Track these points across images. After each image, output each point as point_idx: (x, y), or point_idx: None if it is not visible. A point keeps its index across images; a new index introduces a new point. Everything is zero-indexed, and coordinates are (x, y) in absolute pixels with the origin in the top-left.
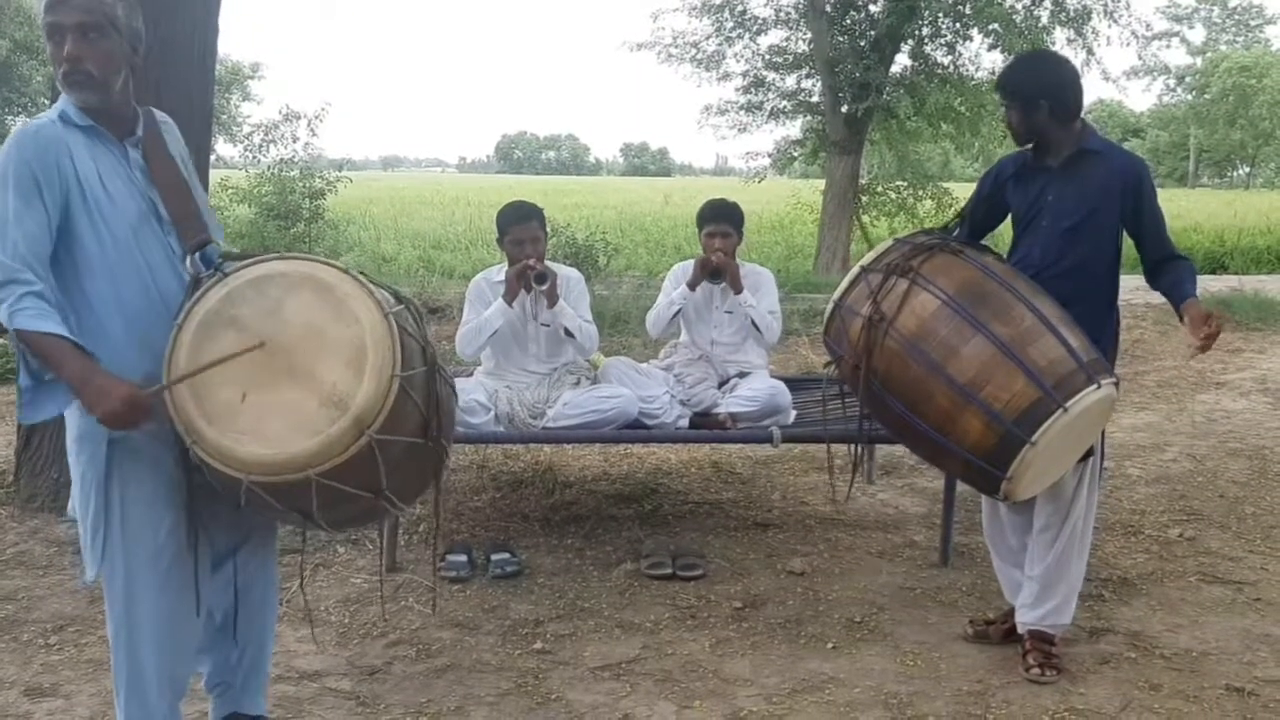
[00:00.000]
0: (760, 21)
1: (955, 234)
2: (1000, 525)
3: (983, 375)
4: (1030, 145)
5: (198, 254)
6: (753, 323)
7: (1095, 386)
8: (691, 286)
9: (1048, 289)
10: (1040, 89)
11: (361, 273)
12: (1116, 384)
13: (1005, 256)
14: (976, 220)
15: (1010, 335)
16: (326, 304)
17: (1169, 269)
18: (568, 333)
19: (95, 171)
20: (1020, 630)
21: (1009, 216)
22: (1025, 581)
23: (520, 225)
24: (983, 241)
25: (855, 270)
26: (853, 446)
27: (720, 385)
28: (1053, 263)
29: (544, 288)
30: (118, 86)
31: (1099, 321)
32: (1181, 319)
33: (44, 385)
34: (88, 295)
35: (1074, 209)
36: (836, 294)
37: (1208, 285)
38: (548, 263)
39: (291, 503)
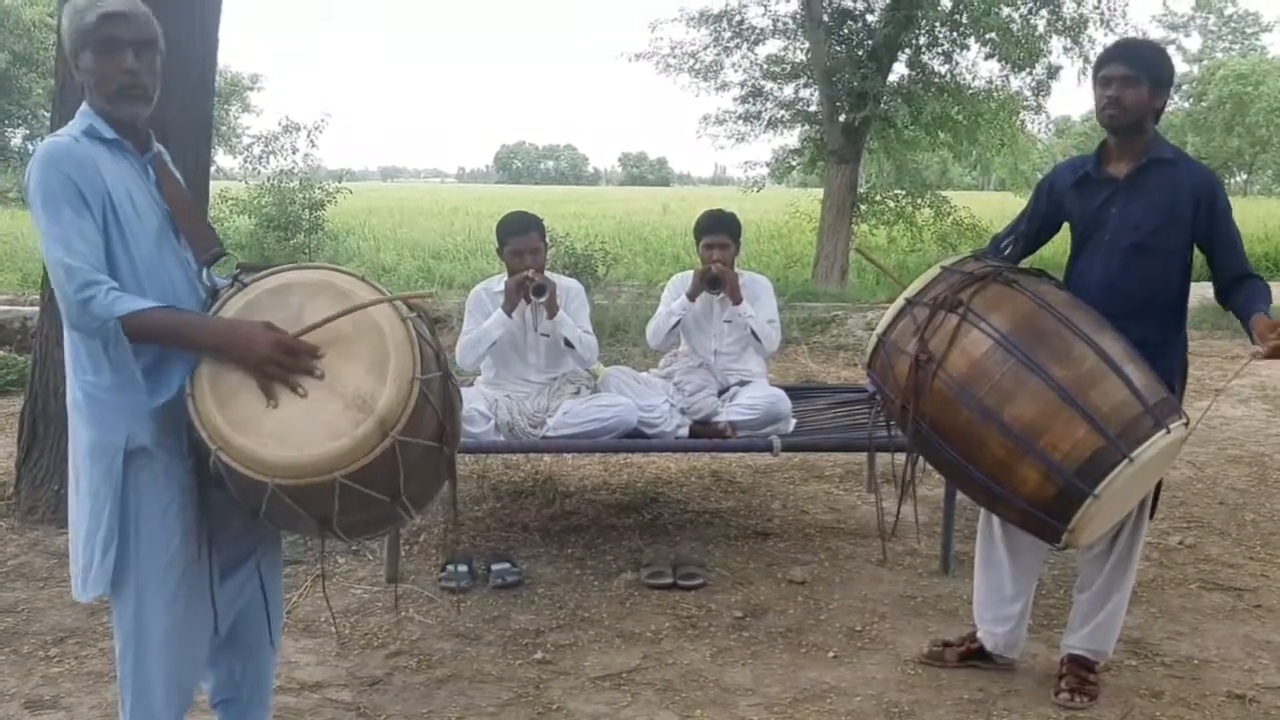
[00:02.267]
0: (758, 31)
1: (1006, 251)
2: (999, 567)
3: (1040, 423)
4: (1095, 149)
5: (208, 267)
6: (752, 332)
7: (1164, 432)
8: (691, 297)
9: (1109, 309)
10: (1170, 78)
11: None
12: (1186, 423)
13: (1063, 275)
14: (1030, 234)
15: (1069, 378)
16: (346, 309)
17: (1243, 288)
18: (567, 343)
19: (124, 187)
20: (1062, 653)
21: (1062, 228)
22: (1074, 604)
23: (520, 236)
24: (1029, 256)
25: (900, 302)
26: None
27: (720, 394)
28: (1115, 281)
29: (542, 300)
30: (155, 102)
31: (1164, 348)
32: (1251, 336)
33: (149, 374)
34: None
35: (1140, 224)
36: (880, 327)
37: (1204, 291)
38: (547, 274)
39: (312, 508)
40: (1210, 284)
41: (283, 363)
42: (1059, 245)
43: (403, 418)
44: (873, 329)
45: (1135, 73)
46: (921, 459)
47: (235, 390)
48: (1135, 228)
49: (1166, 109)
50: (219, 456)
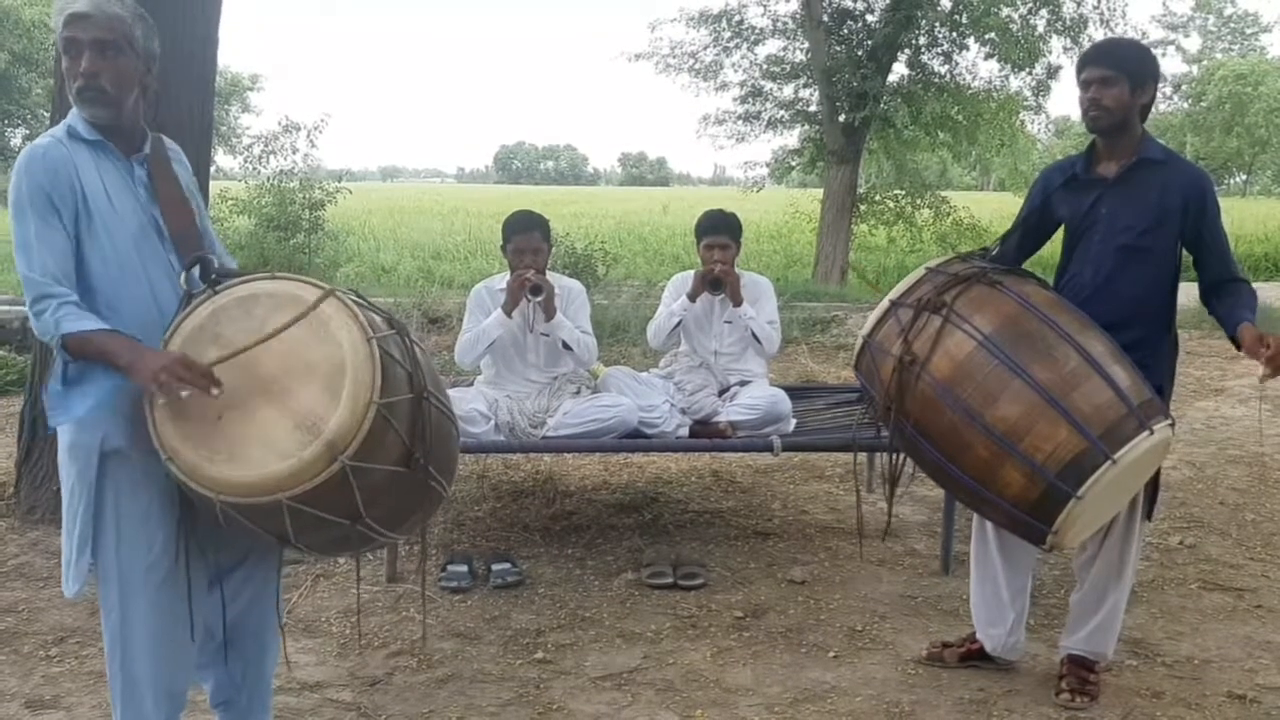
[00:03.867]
0: (758, 31)
1: (994, 252)
2: (994, 571)
3: (1023, 424)
4: (1084, 150)
5: (195, 271)
6: (753, 334)
7: (1147, 433)
8: (692, 298)
9: (1099, 311)
10: (1151, 71)
11: (355, 295)
12: (1172, 424)
13: (1054, 276)
14: (1026, 235)
15: (1052, 380)
16: (309, 325)
17: (1227, 292)
18: (565, 345)
19: (101, 186)
20: (1061, 654)
21: (1059, 230)
22: (1071, 605)
23: (522, 235)
24: (1028, 258)
25: (884, 304)
26: (888, 461)
27: (720, 394)
28: (1104, 283)
29: (539, 299)
30: (129, 104)
31: (1154, 349)
32: (1238, 345)
33: (70, 388)
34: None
35: (1130, 225)
36: (865, 329)
37: None
38: (550, 274)
39: (265, 525)
40: None
41: (167, 381)
42: (1055, 245)
43: (354, 442)
44: None
45: (1112, 72)
46: (909, 460)
47: (190, 402)
48: (1126, 228)
49: (1165, 109)
50: (168, 467)
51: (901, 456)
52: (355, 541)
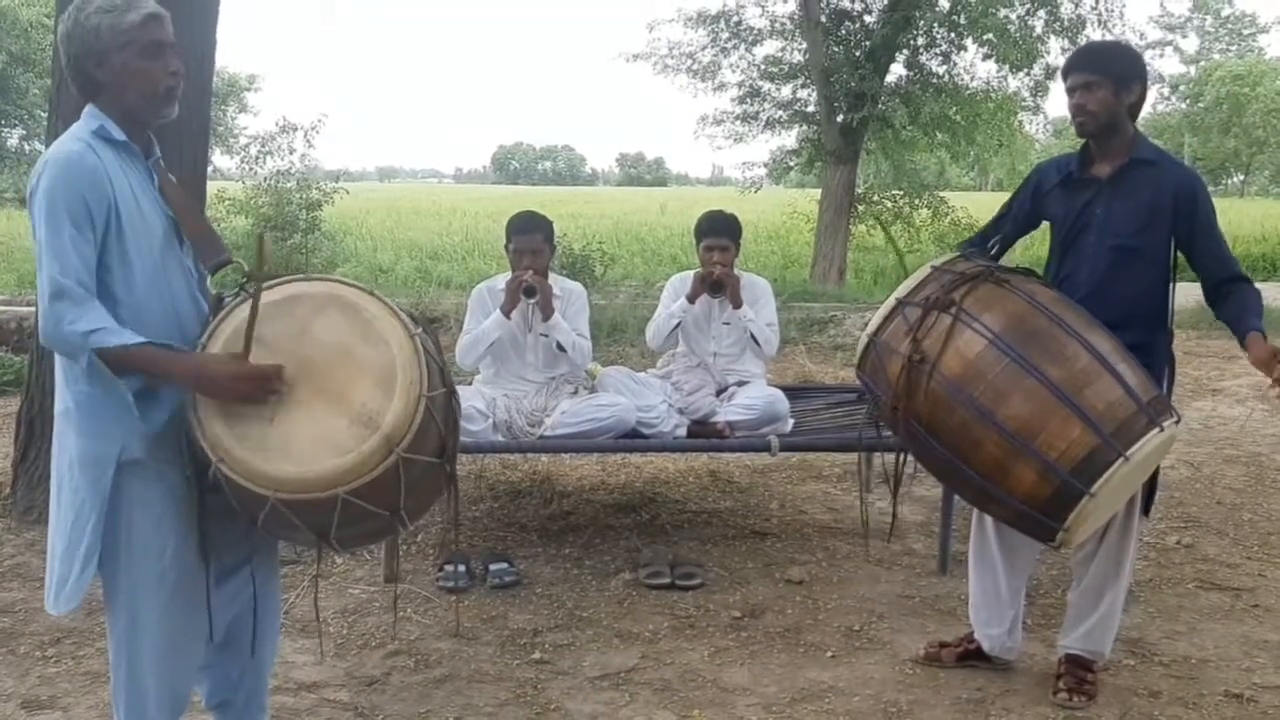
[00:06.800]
0: (755, 32)
1: (994, 251)
2: (993, 570)
3: (1036, 422)
4: (1078, 150)
5: (213, 275)
6: (751, 336)
7: (1158, 430)
8: (691, 300)
9: (1095, 312)
10: (1135, 71)
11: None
12: (1178, 421)
13: (1049, 280)
14: (1006, 231)
15: (1064, 377)
16: (354, 324)
17: (1232, 294)
18: (560, 347)
19: (130, 191)
20: (1059, 653)
21: (1040, 228)
22: (1068, 604)
23: (523, 236)
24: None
25: (890, 302)
26: (890, 462)
27: (718, 394)
28: (1099, 284)
29: (534, 300)
30: None
31: (1151, 348)
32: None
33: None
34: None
35: (1123, 226)
36: (870, 328)
37: (1199, 292)
38: (552, 277)
39: (312, 521)
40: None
41: (249, 393)
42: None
43: (408, 434)
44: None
45: (1095, 76)
46: (912, 459)
47: (241, 404)
48: (1119, 230)
49: (1163, 109)
50: (219, 468)
51: (906, 456)
52: (382, 534)
